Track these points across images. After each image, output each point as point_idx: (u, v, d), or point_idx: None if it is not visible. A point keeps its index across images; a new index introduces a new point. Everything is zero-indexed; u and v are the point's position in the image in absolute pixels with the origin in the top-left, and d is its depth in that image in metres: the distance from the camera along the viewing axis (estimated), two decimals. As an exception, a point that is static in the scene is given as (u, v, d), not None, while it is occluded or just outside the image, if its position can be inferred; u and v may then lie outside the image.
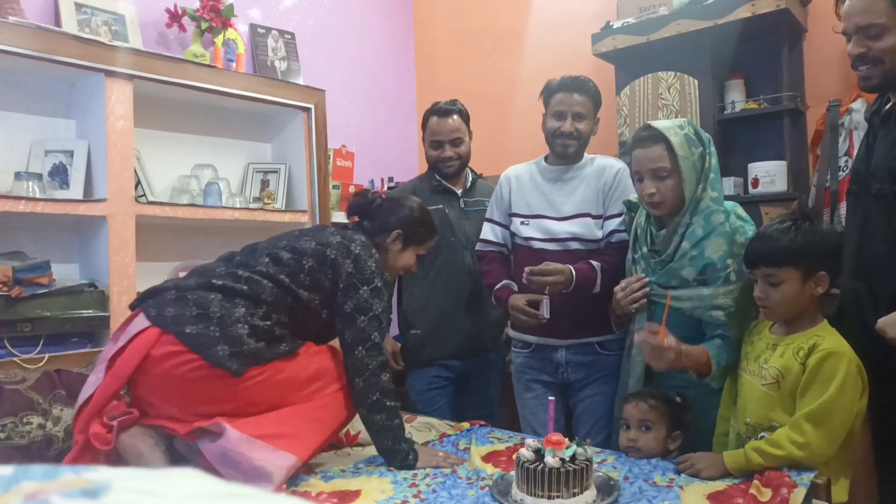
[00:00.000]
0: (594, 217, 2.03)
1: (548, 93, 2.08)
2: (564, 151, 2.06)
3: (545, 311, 1.91)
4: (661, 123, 1.70)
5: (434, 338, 2.40)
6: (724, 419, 1.67)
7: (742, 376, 1.60)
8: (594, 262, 1.96)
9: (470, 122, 2.50)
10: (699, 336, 1.68)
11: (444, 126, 2.41)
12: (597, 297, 1.93)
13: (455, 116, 2.42)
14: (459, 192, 2.47)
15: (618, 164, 2.08)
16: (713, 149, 1.71)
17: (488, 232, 2.20)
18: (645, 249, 1.77)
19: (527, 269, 1.91)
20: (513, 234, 2.16)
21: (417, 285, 2.44)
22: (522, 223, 2.10)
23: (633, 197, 1.90)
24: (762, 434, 1.49)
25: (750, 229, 1.67)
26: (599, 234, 2.03)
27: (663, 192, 1.66)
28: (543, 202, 2.08)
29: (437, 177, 2.47)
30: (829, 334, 1.48)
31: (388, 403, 1.63)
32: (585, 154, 2.12)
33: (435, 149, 2.43)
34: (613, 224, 2.02)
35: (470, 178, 2.52)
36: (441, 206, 2.40)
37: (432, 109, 2.45)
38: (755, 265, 1.53)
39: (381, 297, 1.68)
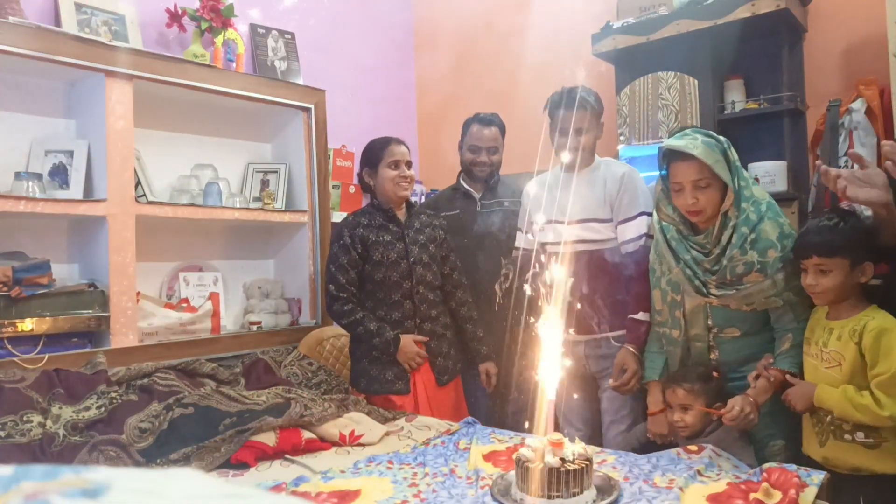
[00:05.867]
0: (600, 221, 2.14)
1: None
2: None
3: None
4: (676, 143, 1.75)
5: None
6: None
7: (805, 359, 1.72)
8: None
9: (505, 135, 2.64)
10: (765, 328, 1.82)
11: (484, 133, 2.57)
12: (612, 296, 2.10)
13: (495, 128, 2.59)
14: (478, 195, 2.59)
15: (621, 169, 2.18)
16: (727, 141, 1.79)
17: (520, 240, 2.37)
18: (689, 256, 1.82)
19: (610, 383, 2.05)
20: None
21: None
22: (540, 229, 2.27)
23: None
24: (829, 414, 1.61)
25: (780, 212, 1.80)
26: (606, 235, 2.15)
27: (703, 201, 1.75)
28: (555, 207, 2.20)
29: (464, 183, 2.62)
30: (877, 314, 1.61)
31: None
32: (597, 156, 2.22)
33: (473, 153, 2.58)
34: (629, 232, 2.09)
35: (492, 181, 2.62)
36: (458, 210, 2.57)
37: (474, 118, 2.62)
38: (807, 255, 1.65)
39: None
